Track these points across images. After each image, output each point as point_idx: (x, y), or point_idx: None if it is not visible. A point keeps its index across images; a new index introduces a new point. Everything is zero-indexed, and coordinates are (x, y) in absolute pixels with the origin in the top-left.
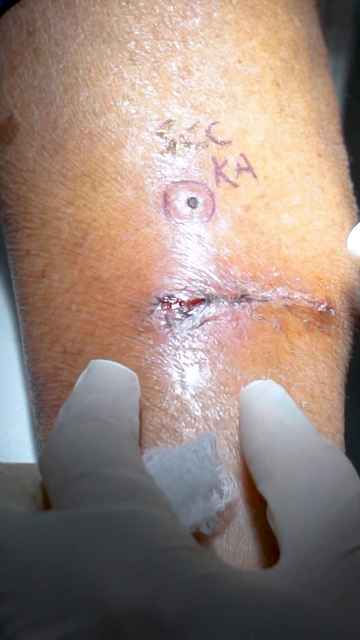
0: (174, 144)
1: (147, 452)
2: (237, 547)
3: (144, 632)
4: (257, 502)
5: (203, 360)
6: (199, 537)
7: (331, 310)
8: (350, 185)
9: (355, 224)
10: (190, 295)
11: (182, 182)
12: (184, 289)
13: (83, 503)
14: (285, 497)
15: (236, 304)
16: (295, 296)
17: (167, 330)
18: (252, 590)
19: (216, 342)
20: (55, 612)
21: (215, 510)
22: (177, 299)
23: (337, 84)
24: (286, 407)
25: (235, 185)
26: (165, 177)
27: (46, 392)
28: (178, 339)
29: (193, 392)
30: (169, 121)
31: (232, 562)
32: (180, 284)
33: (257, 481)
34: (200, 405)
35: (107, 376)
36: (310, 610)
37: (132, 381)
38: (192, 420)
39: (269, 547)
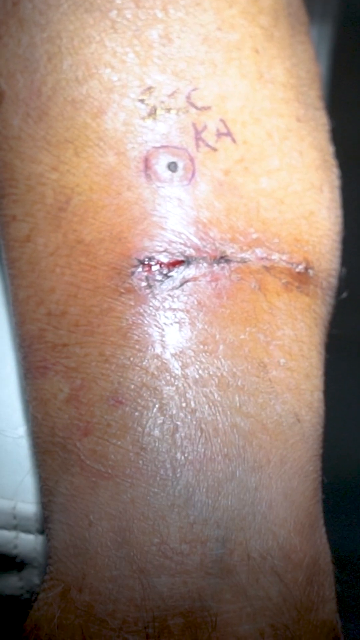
0: (155, 110)
1: None
2: (216, 501)
3: None
4: (233, 458)
5: (183, 320)
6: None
7: (309, 270)
8: (331, 149)
9: (335, 187)
10: (170, 257)
11: (163, 147)
12: (164, 251)
13: None
14: None
15: (215, 265)
16: (273, 257)
17: (147, 291)
18: None
19: (195, 302)
20: None
21: None
22: (158, 261)
23: (323, 52)
24: None
25: (215, 150)
26: (146, 142)
27: (32, 354)
28: (158, 300)
29: (173, 351)
30: (149, 88)
31: (211, 515)
32: (161, 246)
33: None
34: (180, 363)
35: None
36: None
37: None
38: (172, 379)
39: (248, 501)
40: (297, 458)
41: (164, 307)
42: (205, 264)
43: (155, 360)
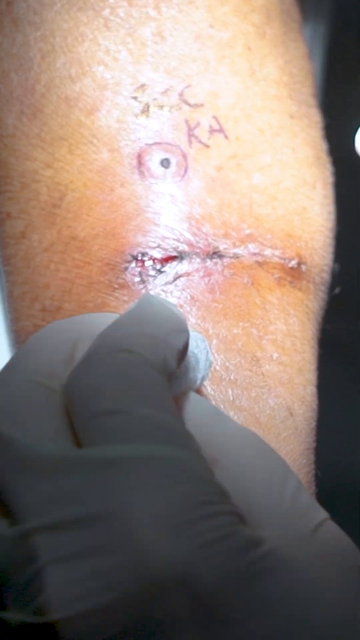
0: (148, 107)
1: None
2: None
3: (178, 586)
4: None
5: None
6: None
7: (302, 266)
8: (324, 146)
9: (328, 183)
10: (164, 252)
11: (156, 143)
12: (157, 247)
13: (115, 442)
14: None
15: (208, 260)
16: (266, 252)
17: (141, 286)
18: (288, 570)
19: (189, 297)
20: (89, 548)
21: None
22: (151, 256)
23: (317, 50)
24: None
25: (207, 146)
26: (139, 139)
27: None
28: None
29: None
30: (142, 85)
31: None
32: (154, 242)
33: None
34: None
35: (154, 311)
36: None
37: (181, 324)
38: None
39: None
40: (290, 451)
41: None
42: (198, 260)
43: None
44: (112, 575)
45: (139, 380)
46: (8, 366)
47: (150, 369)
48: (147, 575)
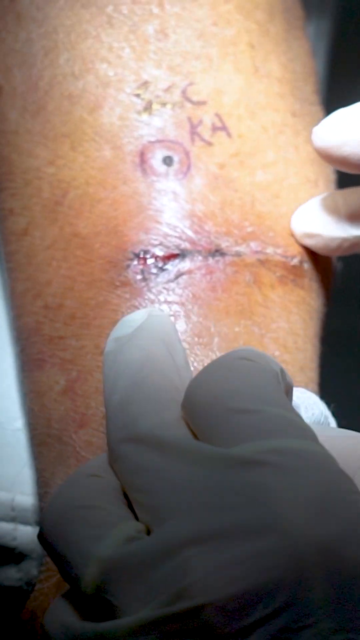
0: (151, 105)
1: None
2: None
3: (325, 566)
4: None
5: (178, 313)
6: None
7: (304, 264)
8: None
9: (330, 181)
10: (166, 250)
11: (158, 141)
12: (160, 244)
13: (251, 438)
14: None
15: (210, 258)
16: (268, 251)
17: (143, 284)
18: None
19: (190, 295)
20: (236, 533)
21: None
22: (153, 254)
23: (320, 47)
24: None
25: (210, 144)
26: (142, 136)
27: (29, 347)
28: (153, 293)
29: None
30: (145, 82)
31: None
32: (156, 240)
33: None
34: None
35: None
36: None
37: None
38: None
39: None
40: None
41: (159, 300)
42: (200, 257)
43: None
44: (262, 558)
45: (260, 382)
46: None
47: (266, 373)
48: (298, 557)
